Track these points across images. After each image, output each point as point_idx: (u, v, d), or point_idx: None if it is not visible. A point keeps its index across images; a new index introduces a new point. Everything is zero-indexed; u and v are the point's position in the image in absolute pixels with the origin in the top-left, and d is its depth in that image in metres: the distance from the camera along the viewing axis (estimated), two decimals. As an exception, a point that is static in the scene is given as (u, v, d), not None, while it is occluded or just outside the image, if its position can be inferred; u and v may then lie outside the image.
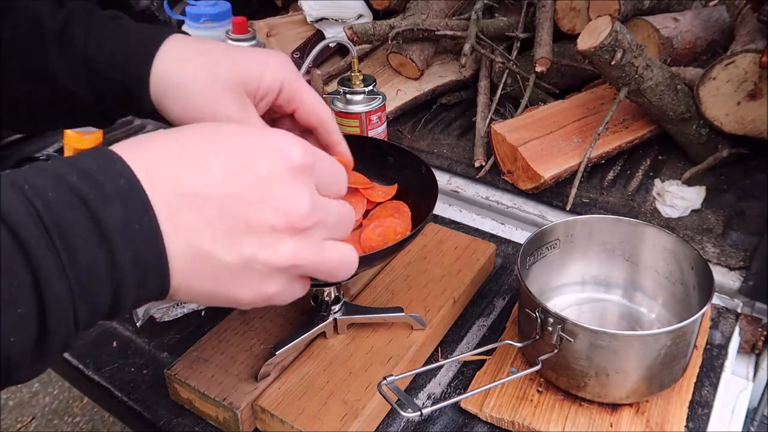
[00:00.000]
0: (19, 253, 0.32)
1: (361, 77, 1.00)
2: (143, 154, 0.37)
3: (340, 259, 0.43)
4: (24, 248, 0.32)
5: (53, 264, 0.32)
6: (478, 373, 0.73)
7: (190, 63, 0.53)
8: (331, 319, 0.73)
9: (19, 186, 0.33)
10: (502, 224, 1.03)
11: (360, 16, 1.36)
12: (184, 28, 1.20)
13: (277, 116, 0.59)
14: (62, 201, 0.33)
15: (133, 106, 0.56)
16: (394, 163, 0.78)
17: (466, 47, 1.16)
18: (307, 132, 0.59)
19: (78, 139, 1.12)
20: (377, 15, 1.39)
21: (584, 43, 0.94)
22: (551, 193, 1.02)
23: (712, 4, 1.27)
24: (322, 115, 0.57)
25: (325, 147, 0.59)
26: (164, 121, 0.57)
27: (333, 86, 1.20)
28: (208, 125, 0.41)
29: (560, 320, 0.64)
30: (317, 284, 0.71)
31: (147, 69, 0.53)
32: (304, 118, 0.57)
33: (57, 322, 0.33)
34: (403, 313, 0.74)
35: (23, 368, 0.34)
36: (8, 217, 0.31)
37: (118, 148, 0.37)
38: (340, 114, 1.01)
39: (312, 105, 0.56)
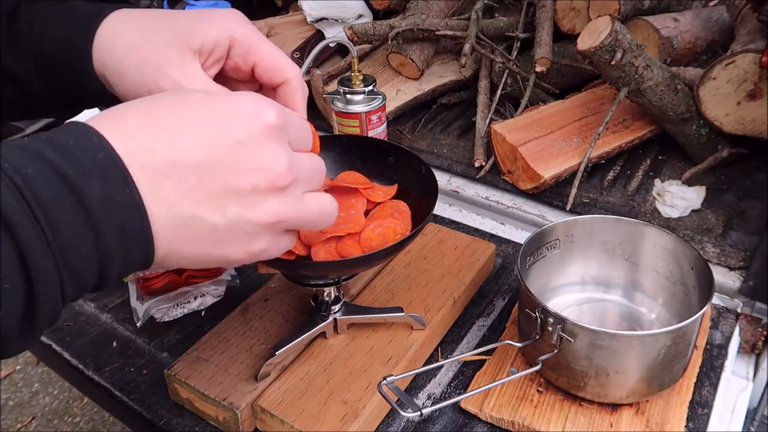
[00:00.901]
0: (4, 230, 0.32)
1: (361, 77, 1.00)
2: (119, 127, 0.37)
3: (321, 209, 0.44)
4: (8, 225, 0.32)
5: (37, 239, 0.33)
6: (478, 373, 0.73)
7: (128, 29, 0.51)
8: (331, 319, 0.73)
9: (11, 178, 0.33)
10: (502, 224, 1.03)
11: (360, 16, 1.36)
12: (184, 28, 1.20)
13: (236, 79, 0.55)
14: (42, 177, 0.33)
15: (80, 86, 0.54)
16: (394, 163, 0.78)
17: (466, 47, 1.16)
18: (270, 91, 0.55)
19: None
20: (377, 15, 1.39)
21: (584, 43, 0.94)
22: (551, 193, 1.02)
23: (712, 4, 1.27)
24: (286, 70, 0.52)
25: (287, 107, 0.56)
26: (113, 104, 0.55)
27: (333, 86, 1.20)
28: (178, 93, 0.41)
29: (560, 320, 0.64)
30: (317, 284, 0.71)
31: (89, 44, 0.51)
32: (266, 75, 0.53)
33: (44, 296, 0.34)
34: (403, 313, 0.74)
35: (11, 342, 0.35)
36: None
37: (93, 121, 0.37)
38: (340, 114, 1.01)
39: (272, 59, 0.52)
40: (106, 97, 0.54)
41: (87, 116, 0.40)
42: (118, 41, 0.50)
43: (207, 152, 0.38)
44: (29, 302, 0.34)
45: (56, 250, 0.33)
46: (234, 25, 0.52)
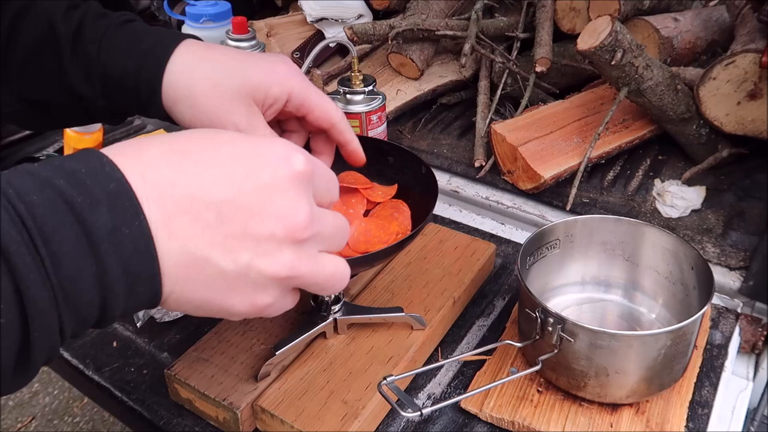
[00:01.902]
0: (2, 261, 0.30)
1: (361, 77, 1.00)
2: (139, 157, 0.36)
3: (334, 272, 0.42)
4: (5, 255, 0.30)
5: (35, 271, 0.31)
6: (478, 373, 0.73)
7: (200, 73, 0.55)
8: (331, 319, 0.73)
9: (2, 190, 0.31)
10: (502, 224, 1.03)
11: (360, 16, 1.36)
12: (184, 28, 1.20)
13: (285, 119, 0.60)
14: (47, 205, 0.32)
15: (145, 111, 0.57)
16: (394, 163, 0.78)
17: (466, 47, 1.16)
18: (317, 133, 0.60)
19: (78, 139, 1.12)
20: (377, 15, 1.39)
21: (584, 43, 0.94)
22: (551, 193, 1.02)
23: (712, 4, 1.27)
24: (333, 117, 0.58)
25: (339, 145, 0.60)
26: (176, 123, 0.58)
27: (333, 86, 1.20)
28: (209, 131, 0.40)
29: (560, 320, 0.64)
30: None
31: (159, 80, 0.55)
32: (315, 122, 0.59)
33: (40, 331, 0.32)
34: (403, 313, 0.74)
35: (5, 380, 0.33)
36: None
37: (112, 151, 0.36)
38: (340, 114, 1.01)
39: (321, 109, 0.57)
40: (168, 120, 0.58)
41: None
42: (190, 85, 0.54)
43: (232, 191, 0.36)
44: (24, 337, 0.32)
45: (55, 282, 0.32)
46: (293, 82, 0.56)
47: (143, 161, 0.35)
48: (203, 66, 0.55)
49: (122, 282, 0.34)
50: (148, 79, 0.55)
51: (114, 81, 0.56)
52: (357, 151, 0.62)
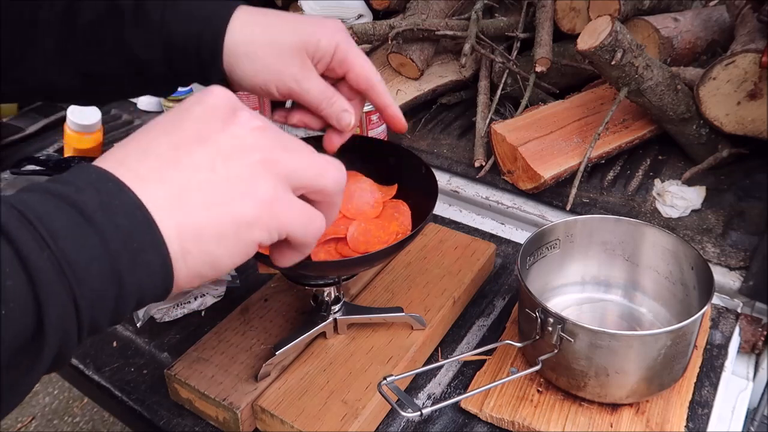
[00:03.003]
0: (11, 252, 0.32)
1: (361, 77, 1.00)
2: (111, 155, 0.39)
3: (314, 157, 0.43)
4: (4, 229, 0.32)
5: (35, 243, 0.32)
6: (478, 373, 0.73)
7: (258, 30, 0.58)
8: (331, 319, 0.73)
9: (8, 202, 0.34)
10: (502, 224, 1.03)
11: (360, 16, 1.36)
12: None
13: (331, 80, 0.62)
14: (37, 197, 0.34)
15: (205, 73, 0.60)
16: (394, 163, 0.78)
17: (466, 47, 1.16)
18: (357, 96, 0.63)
19: (78, 139, 1.12)
20: (377, 15, 1.39)
21: (584, 43, 0.94)
22: (551, 193, 1.02)
23: (712, 4, 1.27)
24: (372, 78, 0.60)
25: (378, 109, 0.63)
26: (225, 85, 0.58)
27: (333, 86, 1.20)
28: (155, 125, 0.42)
29: (560, 320, 0.64)
30: (317, 284, 0.71)
31: (221, 40, 0.58)
32: (355, 81, 0.60)
33: (51, 302, 0.32)
34: (403, 313, 0.74)
35: (13, 377, 0.33)
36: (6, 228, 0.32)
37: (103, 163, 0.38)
38: (340, 114, 1.01)
39: (361, 68, 0.60)
40: (219, 82, 0.59)
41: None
42: (249, 42, 0.58)
43: (172, 129, 0.39)
44: (37, 308, 0.32)
45: (58, 253, 0.33)
46: (340, 36, 0.59)
47: (114, 155, 0.39)
48: (260, 25, 0.59)
49: (126, 244, 0.35)
50: (210, 40, 0.58)
51: (176, 46, 0.58)
52: (397, 116, 0.63)
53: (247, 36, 0.58)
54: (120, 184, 0.36)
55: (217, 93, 0.41)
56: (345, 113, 0.60)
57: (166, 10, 0.59)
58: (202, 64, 0.59)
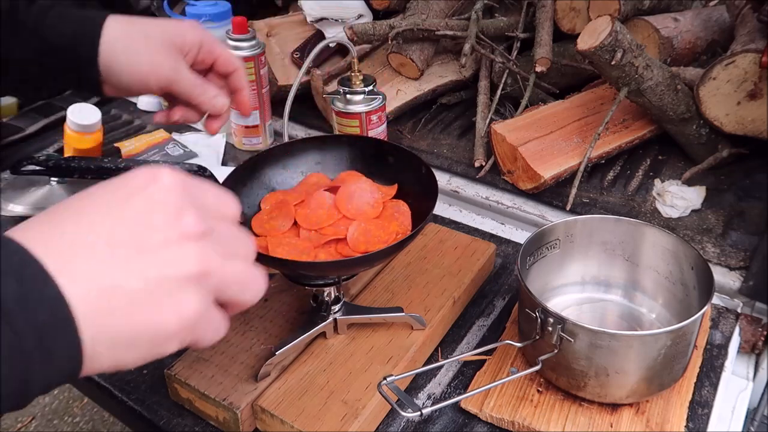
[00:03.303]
0: None
1: (361, 77, 1.00)
2: (30, 227, 0.37)
3: (246, 269, 0.42)
4: None
5: None
6: (478, 373, 0.73)
7: (133, 29, 0.65)
8: (331, 319, 0.73)
9: None
10: (502, 224, 1.03)
11: (360, 16, 1.36)
12: (184, 28, 1.20)
13: (200, 73, 0.70)
14: None
15: (80, 73, 0.64)
16: (394, 163, 0.78)
17: (466, 47, 1.16)
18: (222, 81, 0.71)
19: (78, 139, 1.12)
20: (377, 15, 1.39)
21: (584, 43, 0.94)
22: (551, 193, 1.02)
23: (712, 4, 1.27)
24: (236, 62, 0.71)
25: (233, 90, 0.71)
26: (97, 95, 0.68)
27: (333, 86, 1.20)
28: (78, 196, 0.40)
29: (560, 320, 0.64)
30: (317, 284, 0.71)
31: (97, 40, 0.63)
32: (223, 66, 0.70)
33: None
34: (403, 313, 0.74)
35: None
36: None
37: (14, 231, 0.36)
38: (340, 114, 1.01)
39: (226, 55, 0.70)
40: (92, 87, 0.66)
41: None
42: (125, 38, 0.64)
43: (112, 220, 0.37)
44: None
45: None
46: (201, 32, 0.68)
47: (46, 230, 0.36)
48: (133, 23, 0.66)
49: (37, 343, 0.33)
50: (87, 39, 0.63)
51: (52, 45, 0.63)
52: (246, 102, 0.72)
53: (124, 32, 0.65)
54: (46, 274, 0.34)
55: (166, 183, 0.39)
56: (218, 97, 0.68)
57: (40, 13, 0.64)
58: (78, 63, 0.63)
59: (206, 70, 0.70)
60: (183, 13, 1.20)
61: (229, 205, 0.44)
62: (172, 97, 0.69)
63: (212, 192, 0.43)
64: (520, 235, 0.99)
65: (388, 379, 0.61)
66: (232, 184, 0.75)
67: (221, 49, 0.70)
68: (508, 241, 0.96)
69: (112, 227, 0.37)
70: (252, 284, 0.42)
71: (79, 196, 0.39)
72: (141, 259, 0.36)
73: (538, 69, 1.12)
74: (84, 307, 0.34)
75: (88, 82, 0.66)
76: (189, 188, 0.40)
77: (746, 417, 0.75)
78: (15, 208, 0.97)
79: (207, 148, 1.20)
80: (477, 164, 1.09)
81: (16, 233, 0.36)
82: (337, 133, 1.03)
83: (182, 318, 0.38)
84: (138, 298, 0.36)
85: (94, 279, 0.35)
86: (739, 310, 0.83)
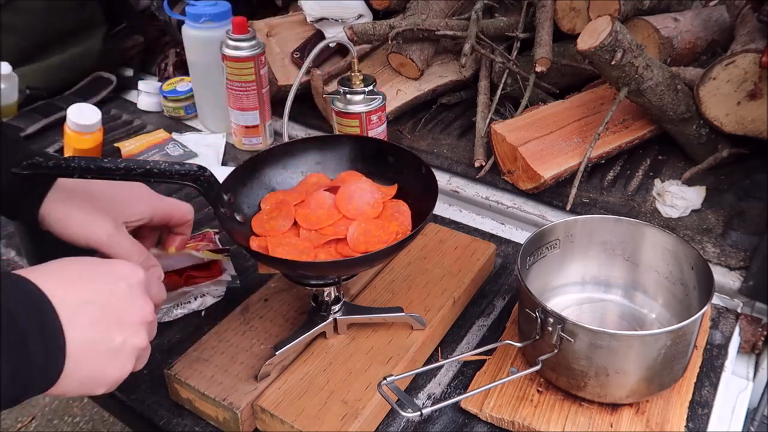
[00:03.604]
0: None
1: (361, 77, 1.00)
2: (50, 277, 0.51)
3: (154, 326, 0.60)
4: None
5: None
6: (478, 373, 0.73)
7: (78, 194, 0.70)
8: (331, 319, 0.73)
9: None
10: (502, 224, 1.03)
11: (360, 16, 1.36)
12: (184, 28, 1.20)
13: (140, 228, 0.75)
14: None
15: (18, 203, 0.69)
16: (394, 163, 0.78)
17: (466, 47, 1.16)
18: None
19: (77, 139, 1.12)
20: (377, 15, 1.39)
21: (584, 43, 0.94)
22: (551, 193, 1.02)
23: (712, 4, 1.27)
24: (187, 217, 0.75)
25: (177, 233, 0.76)
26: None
27: (333, 86, 1.20)
28: (80, 260, 0.56)
29: (560, 320, 0.64)
30: (317, 284, 0.71)
31: (40, 200, 0.69)
32: (177, 226, 0.75)
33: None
34: (403, 313, 0.74)
35: None
36: None
37: (31, 274, 0.50)
38: (340, 114, 1.01)
39: (180, 216, 0.74)
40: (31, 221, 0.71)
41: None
42: (67, 210, 0.69)
43: (106, 296, 0.54)
44: None
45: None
46: (154, 204, 0.72)
47: (60, 287, 0.51)
48: (75, 200, 0.70)
49: (41, 354, 0.48)
50: (28, 199, 0.69)
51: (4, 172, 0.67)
52: (179, 243, 0.76)
53: (67, 194, 0.70)
54: (57, 328, 0.49)
55: (140, 278, 0.58)
56: (147, 260, 0.70)
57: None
58: (19, 209, 0.69)
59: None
60: (183, 13, 1.20)
61: (161, 295, 0.64)
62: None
63: (156, 281, 0.64)
64: (520, 235, 0.99)
65: (388, 379, 0.61)
66: (232, 184, 0.75)
67: (174, 213, 0.74)
68: (508, 241, 0.96)
69: (105, 300, 0.54)
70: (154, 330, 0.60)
71: (87, 266, 0.56)
72: (119, 328, 0.54)
73: (538, 69, 1.12)
74: (75, 346, 0.50)
75: (27, 216, 0.70)
76: (148, 284, 0.59)
77: (746, 417, 0.75)
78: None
79: (207, 148, 1.20)
80: (477, 164, 1.09)
81: (38, 279, 0.50)
82: (337, 133, 1.03)
83: (123, 373, 0.56)
84: (107, 353, 0.53)
85: (86, 332, 0.51)
86: (739, 310, 0.83)
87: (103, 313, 0.53)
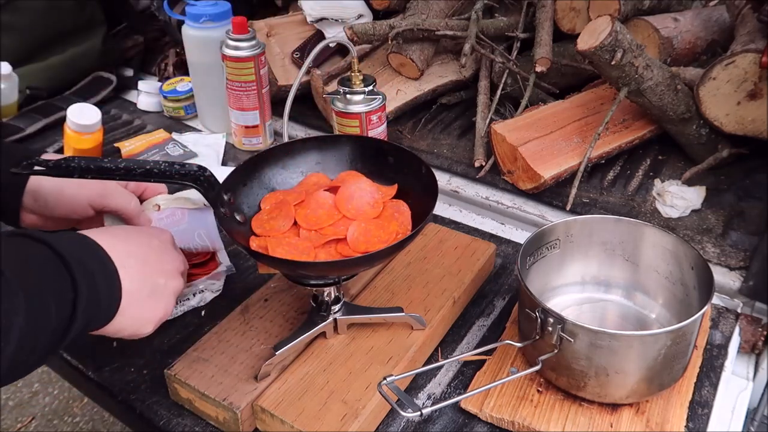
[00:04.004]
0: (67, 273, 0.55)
1: (361, 77, 1.00)
2: (99, 237, 0.61)
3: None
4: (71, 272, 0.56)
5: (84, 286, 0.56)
6: (478, 373, 0.73)
7: (56, 184, 0.77)
8: (331, 319, 0.73)
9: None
10: (502, 224, 1.03)
11: (360, 16, 1.36)
12: (184, 28, 1.20)
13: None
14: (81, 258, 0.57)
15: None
16: (394, 163, 0.78)
17: (466, 47, 1.16)
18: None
19: (77, 139, 1.12)
20: (377, 15, 1.39)
21: (584, 43, 0.94)
22: (551, 193, 1.02)
23: (712, 4, 1.27)
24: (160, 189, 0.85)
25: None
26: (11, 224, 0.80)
27: (333, 86, 1.20)
28: (117, 227, 0.72)
29: (560, 320, 0.64)
30: (317, 284, 0.71)
31: (23, 183, 0.76)
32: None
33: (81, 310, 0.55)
34: (403, 313, 0.74)
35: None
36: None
37: (92, 234, 0.61)
38: (340, 114, 1.01)
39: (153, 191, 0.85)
40: (12, 214, 0.78)
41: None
42: (58, 183, 0.76)
43: (144, 249, 0.65)
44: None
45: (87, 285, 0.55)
46: (127, 201, 0.79)
47: (102, 238, 0.61)
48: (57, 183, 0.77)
49: (100, 289, 0.58)
50: (13, 181, 0.75)
51: None
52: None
53: (55, 180, 0.75)
54: (114, 270, 0.60)
55: (165, 233, 0.71)
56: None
57: None
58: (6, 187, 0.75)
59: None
60: (183, 13, 1.20)
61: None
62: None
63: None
64: (520, 235, 0.99)
65: (388, 379, 0.61)
66: (232, 184, 0.75)
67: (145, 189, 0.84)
68: (508, 241, 0.96)
69: (144, 252, 0.65)
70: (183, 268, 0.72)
71: (123, 229, 0.69)
72: (160, 273, 0.65)
73: (538, 69, 1.12)
74: (129, 285, 0.60)
75: (8, 207, 0.77)
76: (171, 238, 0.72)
77: (746, 417, 0.75)
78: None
79: (207, 148, 1.20)
80: (477, 164, 1.09)
81: (95, 236, 0.61)
82: (337, 133, 1.03)
83: (165, 312, 0.66)
84: (153, 293, 0.64)
85: (135, 276, 0.62)
86: (739, 310, 0.83)
87: (145, 262, 0.64)
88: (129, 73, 1.50)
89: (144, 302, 0.62)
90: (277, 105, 1.20)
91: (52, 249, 0.55)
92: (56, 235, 0.57)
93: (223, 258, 0.86)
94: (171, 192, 0.86)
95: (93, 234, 0.61)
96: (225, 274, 0.86)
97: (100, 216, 0.80)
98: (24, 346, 0.50)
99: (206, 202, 0.81)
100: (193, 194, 0.82)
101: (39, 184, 0.76)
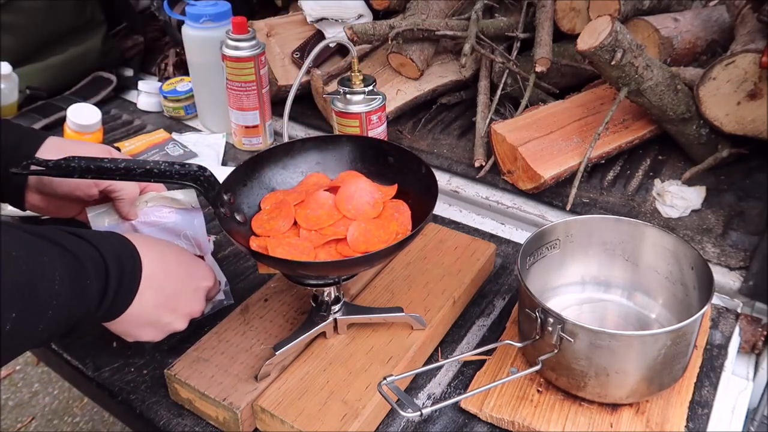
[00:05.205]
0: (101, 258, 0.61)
1: (361, 77, 1.00)
2: (139, 243, 0.66)
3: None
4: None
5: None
6: (478, 373, 0.73)
7: (64, 146, 0.78)
8: (331, 319, 0.73)
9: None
10: (502, 224, 1.03)
11: (360, 16, 1.36)
12: (184, 28, 1.20)
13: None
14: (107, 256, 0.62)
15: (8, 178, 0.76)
16: (394, 163, 0.78)
17: (466, 47, 1.16)
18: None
19: (78, 139, 1.12)
20: (377, 15, 1.39)
21: (584, 43, 0.94)
22: (551, 193, 1.02)
23: (712, 4, 1.27)
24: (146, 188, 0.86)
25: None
26: (16, 205, 0.82)
27: (333, 86, 1.20)
28: (174, 249, 0.73)
29: (560, 320, 0.64)
30: (317, 284, 0.71)
31: (35, 149, 0.76)
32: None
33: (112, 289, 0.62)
34: (403, 313, 0.74)
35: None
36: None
37: (133, 237, 0.67)
38: (340, 114, 1.01)
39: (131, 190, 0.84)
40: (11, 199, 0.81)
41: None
42: (60, 150, 0.76)
43: (175, 288, 0.70)
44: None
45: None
46: (132, 184, 0.80)
47: (148, 255, 0.67)
48: (69, 143, 0.79)
49: (119, 292, 0.63)
50: (29, 145, 0.77)
51: None
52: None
53: (60, 144, 0.78)
54: (140, 272, 0.65)
55: (208, 280, 0.74)
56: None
57: None
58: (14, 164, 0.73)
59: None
60: (183, 13, 1.20)
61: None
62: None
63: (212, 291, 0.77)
64: (520, 235, 0.99)
65: (388, 379, 0.61)
66: (232, 184, 0.75)
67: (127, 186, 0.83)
68: (508, 241, 0.96)
69: (172, 266, 0.70)
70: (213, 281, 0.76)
71: (178, 255, 0.72)
72: (170, 313, 0.70)
73: (538, 69, 1.12)
74: (145, 286, 0.66)
75: (14, 187, 0.79)
76: (212, 289, 0.76)
77: (746, 417, 0.75)
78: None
79: (207, 148, 1.20)
80: (477, 164, 1.09)
81: (132, 238, 0.67)
82: (337, 133, 1.03)
83: (153, 340, 0.71)
84: (152, 323, 0.69)
85: (154, 287, 0.67)
86: (739, 310, 0.83)
87: (167, 299, 0.68)
88: (129, 73, 1.50)
89: (142, 324, 0.68)
90: (277, 105, 1.20)
91: (94, 246, 0.61)
92: (98, 236, 0.63)
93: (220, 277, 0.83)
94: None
95: (137, 241, 0.66)
96: (219, 306, 0.82)
97: (101, 200, 0.81)
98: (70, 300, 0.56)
99: (195, 204, 0.81)
100: (181, 195, 0.82)
101: (39, 181, 0.77)
